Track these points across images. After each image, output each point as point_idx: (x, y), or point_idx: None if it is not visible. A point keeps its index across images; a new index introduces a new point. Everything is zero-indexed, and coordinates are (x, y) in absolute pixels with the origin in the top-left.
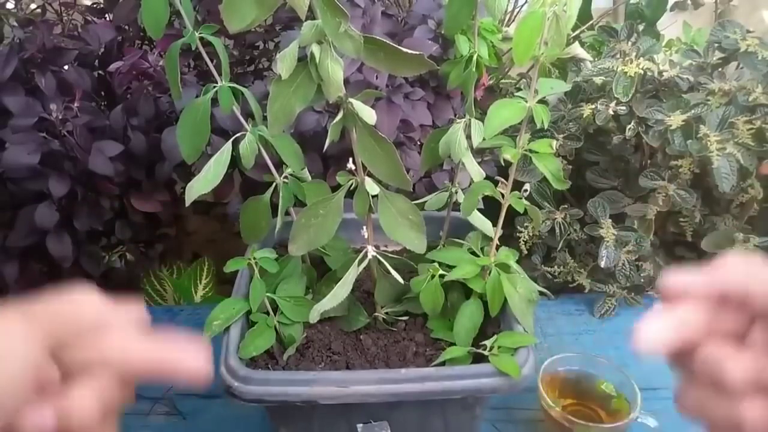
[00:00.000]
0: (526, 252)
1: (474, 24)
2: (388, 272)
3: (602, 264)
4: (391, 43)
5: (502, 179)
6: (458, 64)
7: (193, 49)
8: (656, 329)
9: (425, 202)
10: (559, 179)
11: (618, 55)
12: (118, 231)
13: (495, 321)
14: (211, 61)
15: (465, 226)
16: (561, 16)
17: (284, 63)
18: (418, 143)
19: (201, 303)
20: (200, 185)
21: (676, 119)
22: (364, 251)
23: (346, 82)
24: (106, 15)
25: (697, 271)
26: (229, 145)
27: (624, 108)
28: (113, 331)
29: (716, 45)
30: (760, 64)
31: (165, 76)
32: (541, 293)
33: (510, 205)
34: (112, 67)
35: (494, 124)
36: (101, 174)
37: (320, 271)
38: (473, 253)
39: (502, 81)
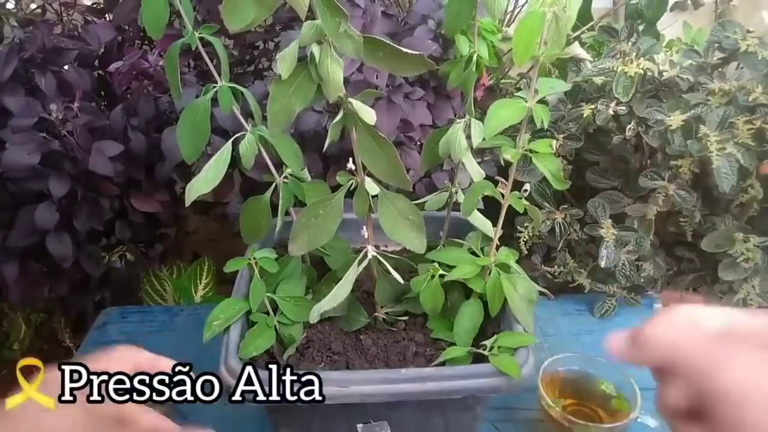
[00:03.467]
0: (526, 252)
1: (474, 24)
2: (388, 272)
3: (602, 264)
4: (391, 43)
5: (502, 179)
6: (458, 64)
7: (193, 49)
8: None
9: (425, 202)
10: (559, 179)
11: (618, 55)
12: (118, 231)
13: (495, 321)
14: (211, 61)
15: (465, 226)
16: (561, 17)
17: (284, 63)
18: (418, 143)
19: (201, 303)
20: (200, 185)
21: (676, 119)
22: (364, 251)
23: (346, 82)
24: (106, 15)
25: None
26: (229, 145)
27: (624, 108)
28: None
29: (716, 45)
30: (760, 64)
31: (165, 76)
32: (541, 293)
33: (510, 205)
34: (112, 67)
35: (494, 124)
36: (101, 174)
37: (320, 271)
38: (473, 253)
39: (502, 81)
